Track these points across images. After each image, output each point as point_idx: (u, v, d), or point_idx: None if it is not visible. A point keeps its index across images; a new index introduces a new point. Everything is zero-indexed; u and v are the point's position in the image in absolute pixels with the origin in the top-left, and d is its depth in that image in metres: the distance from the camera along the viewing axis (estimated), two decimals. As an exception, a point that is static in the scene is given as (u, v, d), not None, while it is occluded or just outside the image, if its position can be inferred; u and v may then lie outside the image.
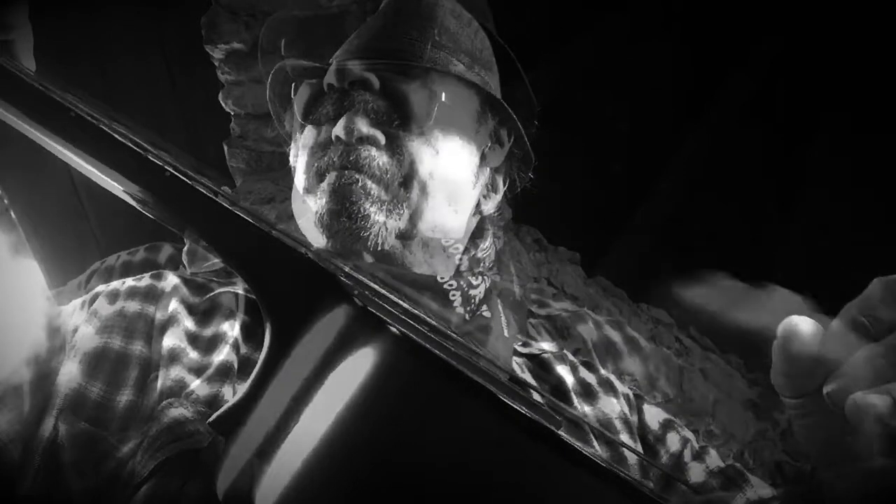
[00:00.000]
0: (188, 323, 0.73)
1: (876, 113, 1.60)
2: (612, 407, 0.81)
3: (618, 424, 0.79)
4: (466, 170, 0.82)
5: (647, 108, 1.74)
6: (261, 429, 0.44)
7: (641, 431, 0.81)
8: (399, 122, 0.77)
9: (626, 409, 0.82)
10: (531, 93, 0.87)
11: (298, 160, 0.82)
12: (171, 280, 0.78)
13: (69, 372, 0.68)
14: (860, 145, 1.66)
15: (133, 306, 0.74)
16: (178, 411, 0.63)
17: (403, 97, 0.78)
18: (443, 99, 0.79)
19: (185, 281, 0.78)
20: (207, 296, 0.76)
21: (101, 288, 0.78)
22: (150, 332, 0.72)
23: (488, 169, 0.86)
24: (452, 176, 0.80)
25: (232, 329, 0.73)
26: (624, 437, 0.78)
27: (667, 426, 0.82)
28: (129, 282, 0.77)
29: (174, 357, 0.69)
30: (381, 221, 0.75)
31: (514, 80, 0.88)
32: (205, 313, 0.75)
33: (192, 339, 0.72)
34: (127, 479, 0.61)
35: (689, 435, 0.83)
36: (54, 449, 0.63)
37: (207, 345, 0.71)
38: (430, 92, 0.78)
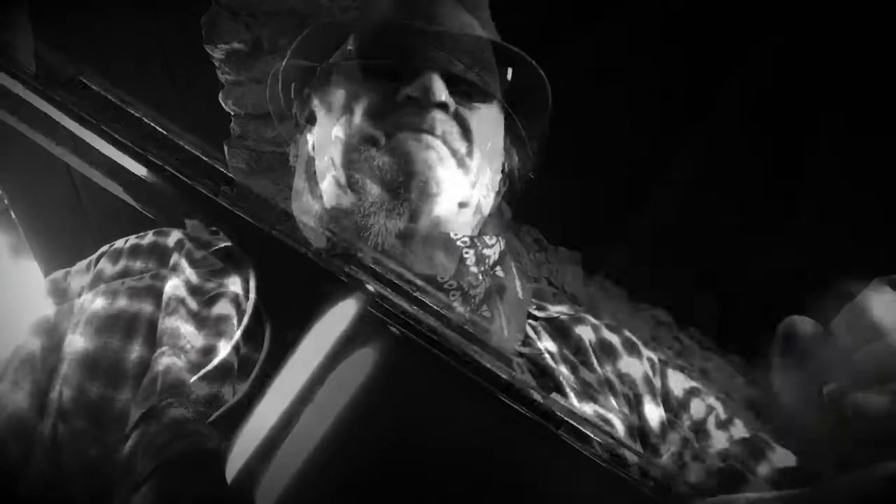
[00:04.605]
0: (188, 322, 0.73)
1: (875, 113, 1.60)
2: (612, 405, 0.81)
3: (618, 423, 0.79)
4: (473, 176, 0.82)
5: (647, 108, 1.74)
6: (261, 429, 0.44)
7: (664, 395, 0.82)
8: (466, 150, 0.79)
9: (626, 408, 0.82)
10: (546, 120, 0.89)
11: (300, 160, 0.83)
12: (170, 279, 0.78)
13: (68, 371, 0.68)
14: (860, 145, 1.66)
15: (132, 306, 0.74)
16: (178, 411, 0.63)
17: (470, 127, 0.80)
18: (493, 127, 0.82)
19: (185, 280, 0.78)
20: (207, 295, 0.76)
21: (101, 286, 0.78)
22: (149, 331, 0.72)
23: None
24: (458, 182, 0.80)
25: (232, 328, 0.73)
26: (624, 437, 0.78)
27: (692, 392, 0.82)
28: (129, 282, 0.77)
29: (174, 356, 0.69)
30: (381, 222, 0.75)
31: (537, 103, 0.89)
32: (205, 313, 0.75)
33: (192, 338, 0.72)
34: (127, 479, 0.61)
35: (716, 404, 0.83)
36: (54, 449, 0.63)
37: (207, 344, 0.71)
38: (487, 124, 0.81)
